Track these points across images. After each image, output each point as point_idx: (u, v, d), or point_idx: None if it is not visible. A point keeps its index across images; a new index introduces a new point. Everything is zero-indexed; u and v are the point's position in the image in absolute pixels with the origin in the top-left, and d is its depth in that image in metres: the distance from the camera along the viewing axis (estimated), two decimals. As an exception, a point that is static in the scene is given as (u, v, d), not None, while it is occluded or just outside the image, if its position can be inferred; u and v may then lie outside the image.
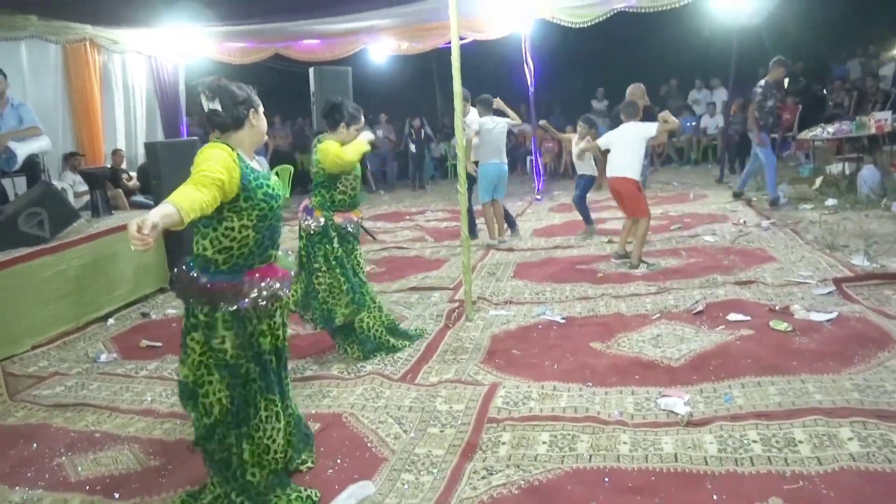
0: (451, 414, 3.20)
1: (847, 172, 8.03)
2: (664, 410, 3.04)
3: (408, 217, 9.85)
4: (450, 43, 9.82)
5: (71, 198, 7.88)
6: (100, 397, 3.79)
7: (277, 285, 2.51)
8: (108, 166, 7.62)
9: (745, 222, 6.89)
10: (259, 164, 2.47)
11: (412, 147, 13.36)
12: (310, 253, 3.82)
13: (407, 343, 4.15)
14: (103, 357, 4.46)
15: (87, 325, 5.07)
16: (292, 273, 2.64)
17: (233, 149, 2.33)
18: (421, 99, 15.48)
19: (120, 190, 8.49)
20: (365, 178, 13.68)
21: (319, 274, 3.82)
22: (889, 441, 2.54)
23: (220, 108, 2.32)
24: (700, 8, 8.71)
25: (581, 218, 7.22)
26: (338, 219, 3.81)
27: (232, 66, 10.99)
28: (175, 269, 2.43)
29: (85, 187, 7.23)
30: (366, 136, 3.74)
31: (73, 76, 8.37)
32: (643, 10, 8.61)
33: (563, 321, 4.43)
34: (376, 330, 4.00)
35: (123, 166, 8.92)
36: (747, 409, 2.95)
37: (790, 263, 5.18)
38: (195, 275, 2.37)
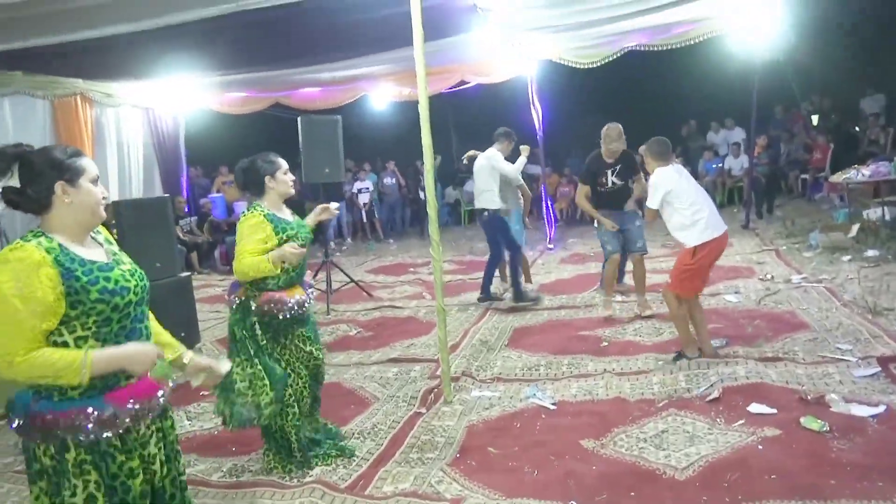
0: (396, 546, 2.56)
1: (887, 218, 7.26)
2: (663, 549, 2.37)
3: (411, 269, 9.31)
4: (456, 87, 9.56)
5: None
6: (3, 507, 3.25)
7: (151, 404, 1.93)
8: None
9: (772, 277, 6.17)
10: None
11: (422, 194, 12.90)
12: (232, 335, 3.16)
13: (334, 454, 3.40)
14: (31, 449, 3.93)
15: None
16: (170, 385, 2.05)
17: (49, 241, 1.77)
18: (434, 143, 15.05)
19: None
20: (374, 227, 13.33)
21: (239, 361, 3.08)
22: None
23: (17, 185, 1.77)
24: (716, 45, 8.15)
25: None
26: (263, 299, 3.11)
27: (231, 117, 10.77)
28: (8, 401, 1.87)
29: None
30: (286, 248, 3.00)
31: (62, 132, 8.11)
32: (655, 49, 8.08)
33: (554, 407, 3.77)
34: (296, 436, 3.27)
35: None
36: (771, 554, 2.26)
37: (825, 332, 4.45)
38: (32, 405, 1.80)
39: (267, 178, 3.18)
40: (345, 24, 5.94)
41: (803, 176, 11.47)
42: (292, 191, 3.30)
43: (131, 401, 1.86)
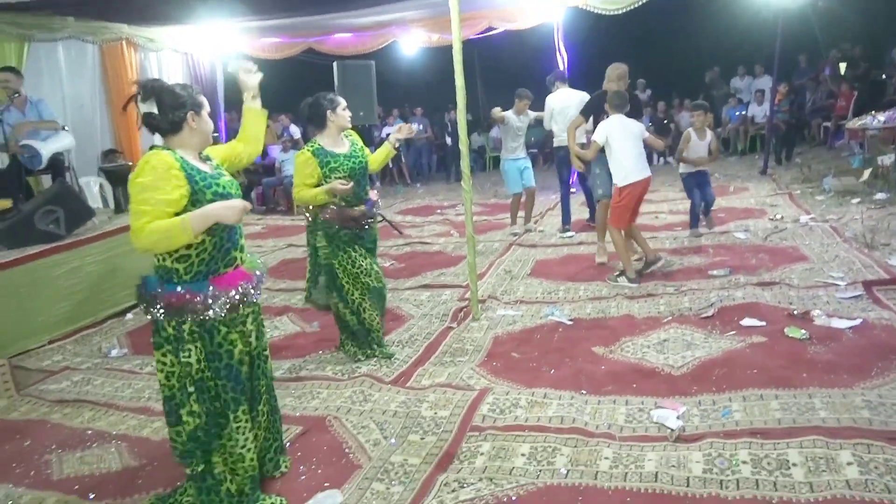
0: (434, 420, 3.10)
1: (900, 163, 7.50)
2: (655, 423, 2.87)
3: (438, 211, 9.76)
4: (483, 33, 9.78)
5: (108, 194, 8.16)
6: (101, 393, 3.85)
7: (245, 290, 2.44)
8: (130, 163, 7.76)
9: (782, 218, 6.52)
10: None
11: (448, 140, 13.26)
12: (317, 244, 3.80)
13: (377, 354, 4.00)
14: (114, 352, 4.54)
15: (105, 319, 5.18)
16: (261, 274, 2.56)
17: (174, 154, 2.27)
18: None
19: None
20: (401, 172, 13.77)
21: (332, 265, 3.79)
22: (893, 468, 2.31)
23: (155, 111, 2.27)
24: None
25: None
26: (325, 214, 3.70)
27: (267, 62, 11.11)
28: (138, 285, 2.39)
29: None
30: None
31: (110, 75, 8.58)
32: (681, -5, 8.24)
33: (570, 323, 4.27)
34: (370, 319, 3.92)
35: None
36: (744, 425, 2.74)
37: (822, 263, 4.86)
38: (159, 288, 2.32)
39: (328, 113, 3.69)
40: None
41: (826, 124, 11.58)
42: (349, 124, 3.80)
43: (232, 285, 2.37)
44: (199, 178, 2.28)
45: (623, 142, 4.93)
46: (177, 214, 2.22)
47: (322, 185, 3.63)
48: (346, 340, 4.03)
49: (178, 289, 2.30)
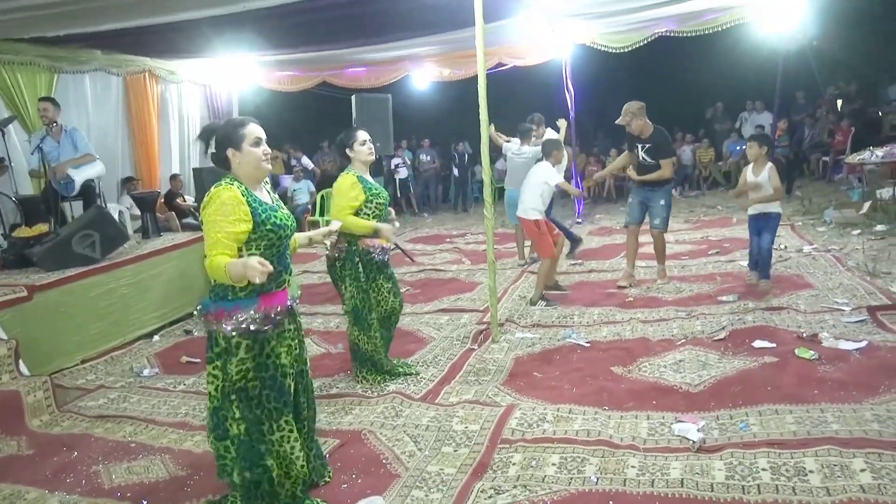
0: (465, 434, 3.26)
1: (898, 196, 7.75)
2: (677, 436, 3.04)
3: (448, 240, 9.98)
4: (494, 69, 10.12)
5: (127, 220, 8.37)
6: (138, 410, 4.00)
7: (290, 307, 2.63)
8: (159, 191, 8.00)
9: (785, 247, 6.74)
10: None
11: (455, 171, 13.55)
12: (335, 279, 3.93)
13: (401, 372, 4.17)
14: (146, 372, 4.70)
15: (133, 341, 5.35)
16: (297, 298, 2.76)
17: (240, 186, 2.45)
18: (467, 123, 15.56)
19: (173, 213, 8.94)
20: (409, 202, 14.03)
21: (346, 298, 3.90)
22: (904, 473, 2.48)
23: (214, 151, 2.50)
24: (743, 31, 8.63)
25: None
26: (362, 245, 3.87)
27: (282, 94, 11.44)
28: (198, 303, 2.59)
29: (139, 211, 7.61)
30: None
31: (132, 106, 8.87)
32: (684, 35, 8.59)
33: (588, 345, 4.45)
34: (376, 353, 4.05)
35: (181, 191, 9.38)
36: (761, 436, 2.92)
37: (826, 290, 5.06)
38: (212, 306, 2.51)
39: (347, 149, 3.87)
40: (399, 9, 6.55)
41: (824, 158, 11.90)
42: (371, 158, 3.93)
43: (279, 301, 2.56)
44: (262, 210, 2.47)
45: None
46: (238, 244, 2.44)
47: (362, 210, 3.81)
48: (362, 371, 4.08)
49: (229, 305, 2.48)
